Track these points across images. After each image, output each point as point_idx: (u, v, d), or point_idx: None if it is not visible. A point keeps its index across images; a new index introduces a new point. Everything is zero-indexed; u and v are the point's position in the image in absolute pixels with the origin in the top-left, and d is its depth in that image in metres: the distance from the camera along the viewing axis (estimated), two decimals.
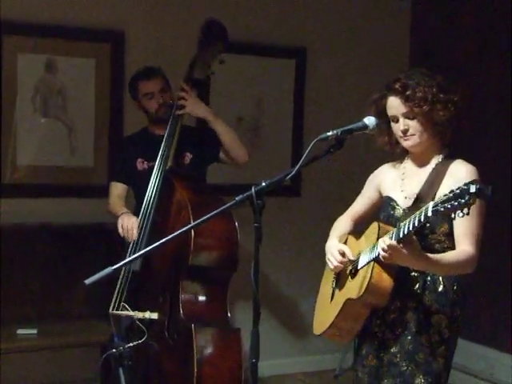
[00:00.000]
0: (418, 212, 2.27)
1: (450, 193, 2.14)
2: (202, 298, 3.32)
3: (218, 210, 2.28)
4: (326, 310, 2.78)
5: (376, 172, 2.86)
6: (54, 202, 4.27)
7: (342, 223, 2.90)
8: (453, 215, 2.14)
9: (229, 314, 3.33)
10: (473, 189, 2.08)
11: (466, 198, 2.08)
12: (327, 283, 2.85)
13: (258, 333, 2.25)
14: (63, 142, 4.32)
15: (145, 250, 2.48)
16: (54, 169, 4.30)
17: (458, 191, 2.11)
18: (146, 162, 3.67)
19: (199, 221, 2.30)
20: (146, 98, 3.68)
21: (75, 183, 4.35)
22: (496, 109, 4.58)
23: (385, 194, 2.76)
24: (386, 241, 2.35)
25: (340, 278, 2.75)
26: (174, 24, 4.52)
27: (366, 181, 4.67)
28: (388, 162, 2.84)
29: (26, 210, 4.15)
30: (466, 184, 2.11)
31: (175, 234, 2.27)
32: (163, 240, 2.25)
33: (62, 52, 4.26)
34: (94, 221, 4.22)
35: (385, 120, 2.64)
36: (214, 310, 3.33)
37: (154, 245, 2.29)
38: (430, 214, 2.19)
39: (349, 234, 2.83)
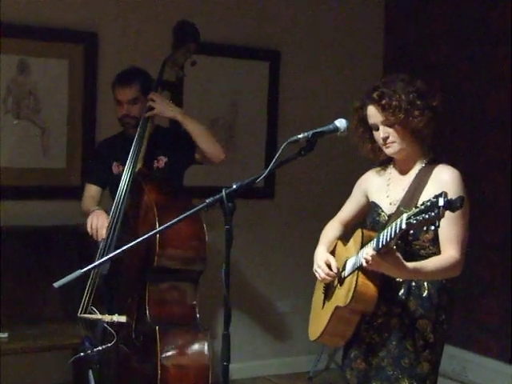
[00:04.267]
0: (394, 223, 2.29)
1: (421, 205, 2.16)
2: (169, 300, 3.30)
3: (185, 214, 2.28)
4: (318, 317, 2.79)
5: (363, 177, 2.87)
6: (27, 203, 4.23)
7: (332, 228, 2.89)
8: (425, 228, 2.16)
9: (198, 316, 3.31)
10: (441, 202, 2.10)
11: (436, 211, 2.10)
12: (319, 289, 2.86)
13: (229, 335, 2.25)
14: (36, 144, 4.29)
15: (112, 253, 2.48)
16: (26, 170, 4.27)
17: (428, 203, 2.13)
18: (121, 166, 3.63)
19: (165, 226, 2.30)
20: (116, 103, 3.66)
21: (48, 185, 4.31)
22: (471, 110, 4.62)
23: (371, 199, 2.78)
24: (369, 252, 2.37)
25: (329, 285, 2.76)
26: (147, 25, 4.51)
27: (338, 183, 4.72)
28: (372, 166, 2.85)
29: None
30: (435, 196, 2.13)
31: (141, 238, 2.27)
32: (129, 244, 2.25)
33: (35, 53, 4.22)
34: (67, 223, 4.19)
35: (367, 128, 2.66)
36: (182, 311, 3.31)
37: (120, 249, 2.29)
38: (404, 226, 2.21)
39: (338, 239, 2.84)
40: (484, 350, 4.50)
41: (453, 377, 4.49)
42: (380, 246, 2.35)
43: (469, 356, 4.54)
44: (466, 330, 4.51)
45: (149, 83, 3.66)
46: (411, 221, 2.17)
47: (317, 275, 2.72)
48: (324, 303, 2.77)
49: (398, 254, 2.41)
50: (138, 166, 3.50)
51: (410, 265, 2.45)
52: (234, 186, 2.27)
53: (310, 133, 2.38)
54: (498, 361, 4.40)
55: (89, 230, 3.45)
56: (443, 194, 2.12)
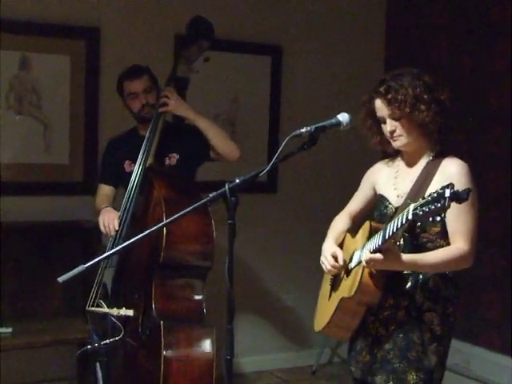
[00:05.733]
0: (400, 214, 2.30)
1: (428, 196, 2.17)
2: (175, 295, 3.31)
3: (189, 208, 2.29)
4: (324, 308, 2.80)
5: (371, 169, 2.88)
6: (29, 199, 4.24)
7: (340, 221, 2.90)
8: (431, 219, 2.16)
9: (204, 311, 3.32)
10: (447, 193, 2.10)
11: (442, 202, 2.10)
12: (326, 281, 2.87)
13: (233, 330, 2.25)
14: (38, 140, 4.29)
15: (117, 247, 2.49)
16: (28, 166, 4.27)
17: (435, 195, 2.14)
18: (133, 164, 3.62)
19: (171, 218, 2.31)
20: (129, 98, 3.64)
21: (50, 181, 4.31)
22: (471, 105, 4.61)
23: (379, 192, 2.78)
24: (367, 255, 2.39)
25: (337, 277, 2.77)
26: (149, 21, 4.50)
27: (341, 176, 4.71)
28: (378, 159, 2.87)
29: (1, 207, 4.11)
30: (442, 188, 2.13)
31: (148, 231, 2.28)
32: (134, 238, 2.26)
33: (37, 49, 4.21)
34: (70, 218, 4.20)
35: (375, 121, 2.67)
36: (188, 306, 3.32)
37: (126, 242, 2.31)
38: (410, 217, 2.22)
39: (347, 231, 2.84)
40: (487, 344, 4.51)
41: (456, 370, 4.49)
42: (387, 236, 2.36)
43: (472, 350, 4.54)
44: (469, 323, 4.51)
45: (154, 76, 3.69)
46: (417, 211, 2.18)
47: (323, 267, 2.73)
48: (330, 294, 2.78)
49: (397, 250, 2.44)
50: (149, 162, 3.51)
51: (414, 257, 2.46)
52: (237, 181, 2.27)
53: (313, 127, 2.38)
54: (501, 354, 4.40)
55: (101, 226, 3.46)
56: (450, 186, 2.12)
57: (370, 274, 2.50)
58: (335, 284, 2.77)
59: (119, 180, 3.73)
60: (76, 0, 4.31)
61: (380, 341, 2.63)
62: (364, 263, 2.44)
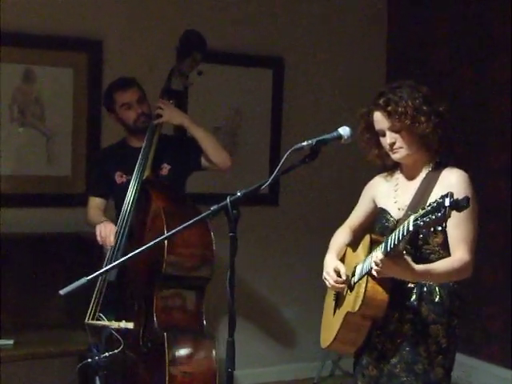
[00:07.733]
0: (401, 226, 2.30)
1: (428, 206, 2.17)
2: (176, 307, 3.32)
3: (192, 221, 2.30)
4: (329, 324, 2.79)
5: (371, 182, 2.88)
6: (31, 211, 4.25)
7: (341, 235, 2.89)
8: (432, 229, 2.17)
9: (204, 322, 3.33)
10: (447, 202, 2.10)
11: (442, 212, 2.11)
12: (330, 296, 2.86)
13: (234, 342, 2.26)
14: (41, 152, 4.31)
15: (119, 260, 2.50)
16: (31, 178, 4.28)
17: (434, 204, 2.14)
18: (124, 176, 3.65)
19: (173, 231, 2.32)
20: (123, 109, 3.65)
21: (53, 192, 4.33)
22: (472, 116, 4.63)
23: (379, 205, 2.78)
24: (379, 255, 2.38)
25: (340, 292, 2.76)
26: (152, 34, 4.53)
27: (343, 189, 4.72)
28: (379, 172, 2.87)
29: (3, 219, 4.12)
30: (441, 197, 2.13)
31: (149, 244, 2.28)
32: (137, 251, 2.27)
33: (40, 61, 4.24)
34: (72, 230, 4.20)
35: (373, 134, 2.67)
36: (189, 318, 3.34)
37: (128, 256, 2.31)
38: (411, 228, 2.22)
39: (348, 245, 2.84)
40: (488, 357, 4.50)
41: (457, 383, 4.48)
42: (388, 249, 2.36)
43: (473, 362, 4.54)
44: (470, 336, 4.51)
45: (142, 88, 3.71)
46: (418, 222, 2.18)
47: (326, 283, 2.72)
48: (335, 310, 2.77)
49: (407, 257, 2.42)
50: (146, 174, 3.53)
51: (420, 267, 2.45)
52: (239, 194, 2.28)
53: (314, 140, 2.39)
54: (501, 367, 4.40)
55: (98, 238, 3.48)
56: (449, 194, 2.12)
57: (374, 288, 2.49)
58: (339, 299, 2.75)
59: (110, 192, 3.74)
60: (79, 13, 4.34)
61: (386, 355, 2.62)
62: (373, 265, 2.41)
